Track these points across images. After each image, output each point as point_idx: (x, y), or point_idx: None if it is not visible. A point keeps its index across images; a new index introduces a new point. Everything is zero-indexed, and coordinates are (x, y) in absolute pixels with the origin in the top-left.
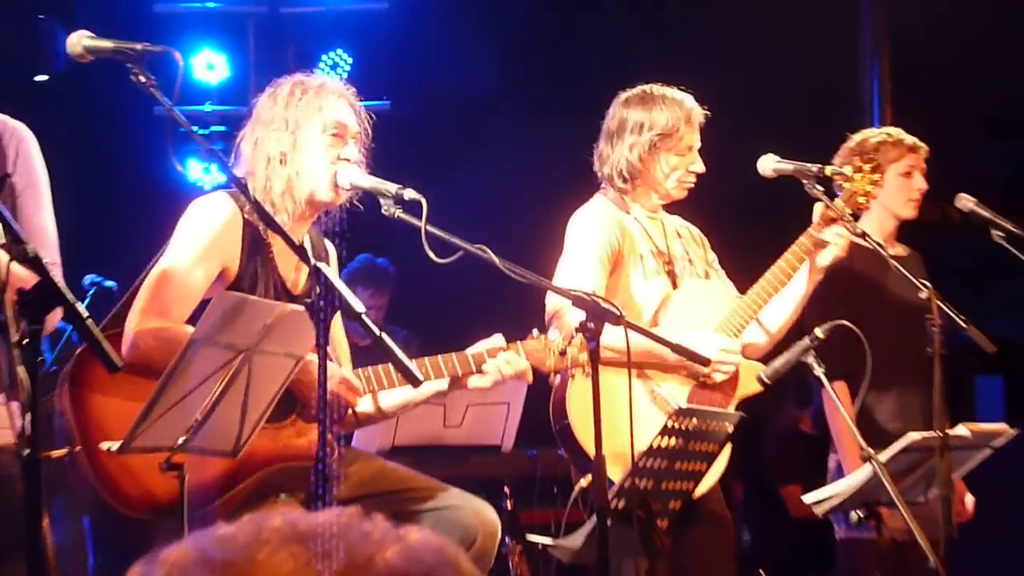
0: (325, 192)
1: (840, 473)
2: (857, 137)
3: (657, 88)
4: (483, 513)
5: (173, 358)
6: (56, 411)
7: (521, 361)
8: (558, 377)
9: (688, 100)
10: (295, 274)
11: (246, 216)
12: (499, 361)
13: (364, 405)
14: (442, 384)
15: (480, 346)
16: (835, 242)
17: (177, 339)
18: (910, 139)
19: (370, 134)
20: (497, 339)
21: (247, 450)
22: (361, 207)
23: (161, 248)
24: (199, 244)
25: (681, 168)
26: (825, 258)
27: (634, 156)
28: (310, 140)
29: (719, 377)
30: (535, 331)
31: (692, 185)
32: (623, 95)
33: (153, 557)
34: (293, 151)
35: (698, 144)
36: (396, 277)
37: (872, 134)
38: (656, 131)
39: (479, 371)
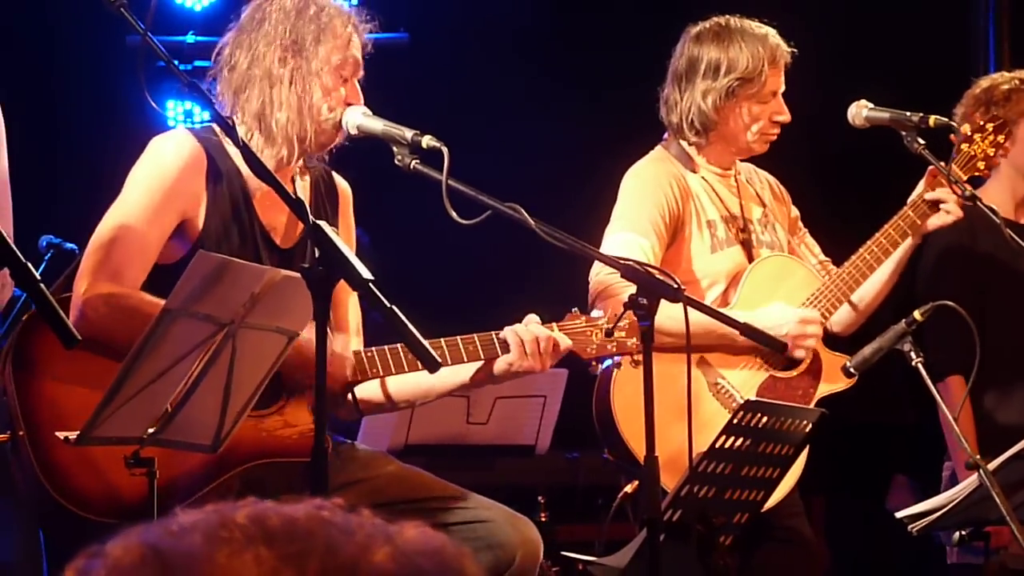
0: (326, 133)
1: (955, 483)
2: (984, 83)
3: (734, 21)
4: (523, 529)
5: (139, 332)
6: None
7: (559, 336)
8: (601, 366)
9: (772, 35)
10: (284, 221)
11: (212, 155)
12: (529, 336)
13: (367, 391)
14: (465, 373)
15: (509, 329)
16: (947, 211)
17: (134, 308)
18: None
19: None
20: (530, 319)
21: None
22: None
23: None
24: (153, 191)
25: (764, 118)
26: (930, 227)
27: (708, 104)
28: (323, 70)
29: (800, 354)
30: (575, 309)
31: (774, 137)
32: (694, 29)
33: (98, 550)
34: (303, 76)
35: (782, 88)
36: (400, 245)
37: (1002, 80)
38: (735, 74)
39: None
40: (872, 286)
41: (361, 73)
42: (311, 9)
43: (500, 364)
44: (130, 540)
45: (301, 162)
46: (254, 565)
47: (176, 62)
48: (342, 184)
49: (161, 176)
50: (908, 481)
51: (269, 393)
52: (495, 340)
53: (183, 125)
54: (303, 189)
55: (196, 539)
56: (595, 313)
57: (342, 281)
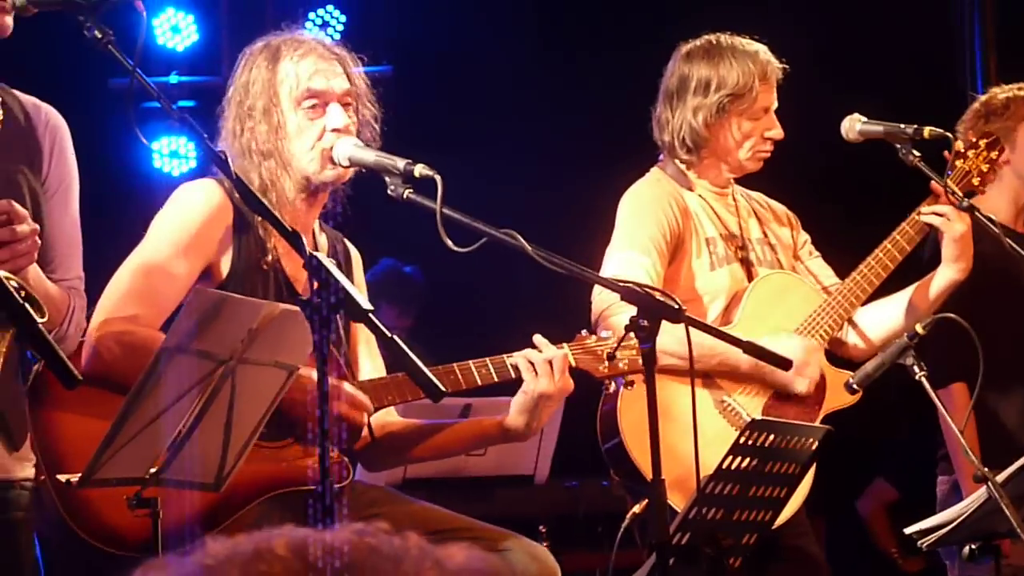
0: (321, 173)
1: (956, 497)
2: (983, 97)
3: (725, 38)
4: (542, 558)
5: (142, 371)
6: None
7: (568, 355)
8: (612, 385)
9: (763, 52)
10: (305, 271)
11: (237, 205)
12: (539, 357)
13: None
14: (485, 425)
15: (519, 354)
16: (939, 223)
17: (146, 347)
18: None
19: (369, 91)
20: (538, 340)
21: (238, 476)
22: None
23: (128, 246)
24: (178, 237)
25: (755, 135)
26: (947, 252)
27: (699, 121)
28: (285, 121)
29: (801, 386)
30: (583, 331)
31: (768, 154)
32: (684, 47)
33: None
34: (269, 140)
35: (775, 105)
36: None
37: (1000, 91)
38: (726, 91)
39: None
40: (885, 313)
41: (337, 92)
42: (252, 70)
43: (517, 398)
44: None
45: (317, 224)
46: None
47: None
48: (353, 249)
49: (186, 224)
50: (887, 486)
51: (282, 428)
52: (506, 364)
53: (211, 177)
54: (324, 248)
55: (233, 574)
56: (604, 333)
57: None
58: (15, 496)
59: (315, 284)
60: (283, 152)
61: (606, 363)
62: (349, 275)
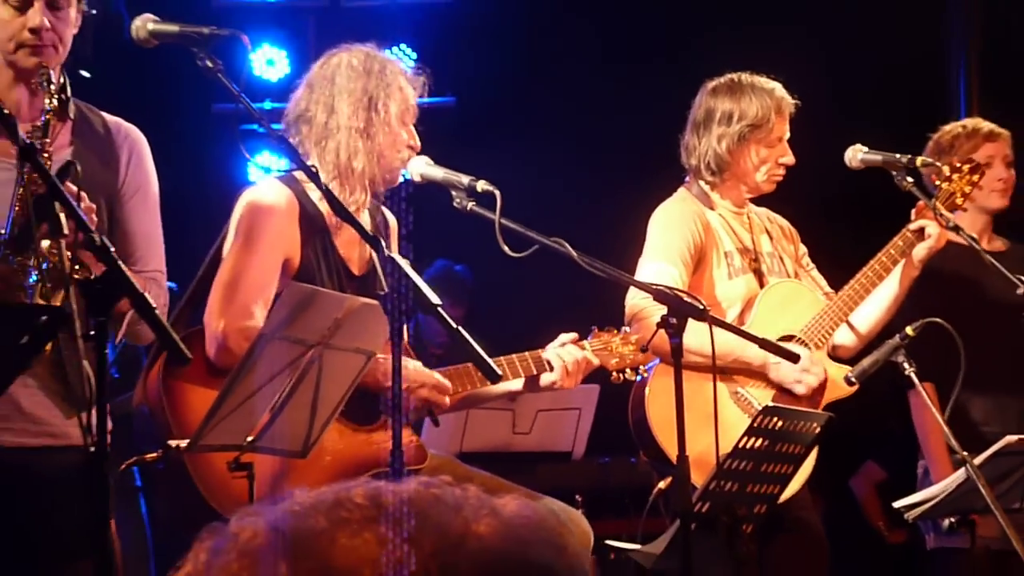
0: (394, 173)
1: (928, 479)
2: (936, 135)
3: (746, 76)
4: (576, 521)
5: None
6: (141, 411)
7: (590, 356)
8: (636, 376)
9: (778, 89)
10: (357, 252)
11: (300, 200)
12: (570, 359)
13: None
14: (516, 384)
15: (553, 352)
16: (929, 234)
17: None
18: (987, 127)
19: None
20: (565, 339)
21: (338, 459)
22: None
23: (215, 246)
24: (263, 237)
25: (771, 160)
26: (920, 252)
27: (723, 148)
28: (393, 123)
29: (800, 390)
30: (595, 328)
31: (781, 177)
32: (710, 84)
33: (222, 529)
34: (377, 129)
35: (788, 135)
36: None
37: (948, 129)
38: (746, 122)
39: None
40: (875, 313)
41: (415, 118)
42: (375, 67)
43: (544, 381)
44: (256, 521)
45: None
46: (375, 545)
47: (257, 127)
48: (391, 216)
49: (268, 223)
50: (877, 468)
51: (372, 411)
52: (542, 359)
53: (272, 175)
54: (366, 222)
55: (319, 520)
56: (625, 329)
57: None
58: (70, 460)
59: (392, 282)
60: (378, 145)
61: (615, 357)
62: (387, 240)
